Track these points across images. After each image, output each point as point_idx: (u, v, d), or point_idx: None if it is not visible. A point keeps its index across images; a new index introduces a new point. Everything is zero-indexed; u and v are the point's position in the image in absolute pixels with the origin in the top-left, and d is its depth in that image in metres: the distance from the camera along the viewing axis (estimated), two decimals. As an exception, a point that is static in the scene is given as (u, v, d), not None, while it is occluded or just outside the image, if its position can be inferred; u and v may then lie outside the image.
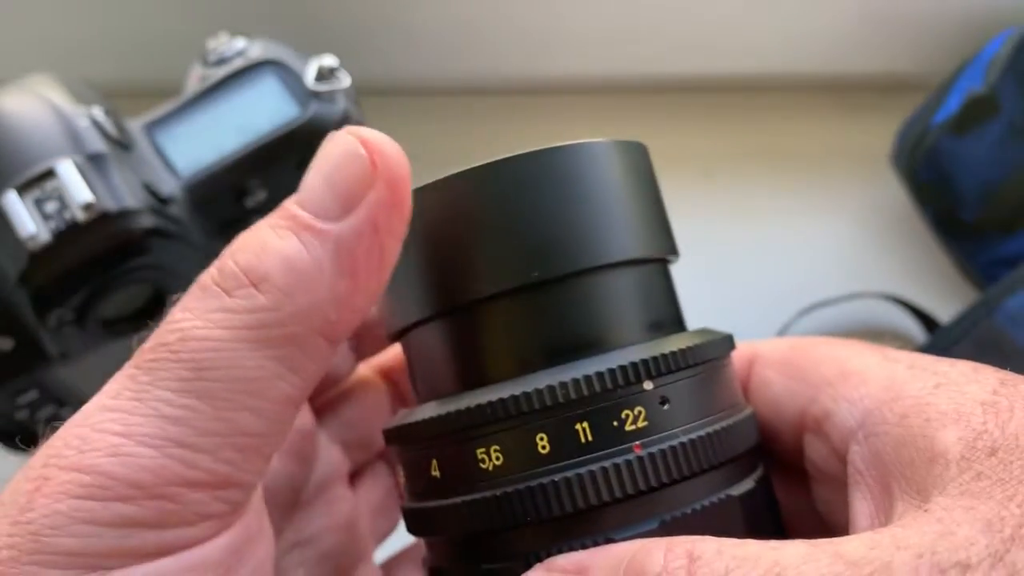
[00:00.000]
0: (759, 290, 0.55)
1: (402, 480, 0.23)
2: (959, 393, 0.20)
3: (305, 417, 0.27)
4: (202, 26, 0.46)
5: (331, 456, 0.28)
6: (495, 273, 0.21)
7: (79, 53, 0.55)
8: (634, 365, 0.20)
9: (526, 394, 0.20)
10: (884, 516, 0.20)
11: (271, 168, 0.40)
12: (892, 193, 0.58)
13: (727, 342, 0.23)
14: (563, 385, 0.20)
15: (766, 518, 0.22)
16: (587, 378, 0.20)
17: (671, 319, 0.23)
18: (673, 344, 0.21)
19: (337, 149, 0.20)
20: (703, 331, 0.23)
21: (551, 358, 0.21)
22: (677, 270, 0.24)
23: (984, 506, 0.17)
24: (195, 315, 0.19)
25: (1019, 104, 0.52)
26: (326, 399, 0.29)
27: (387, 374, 0.30)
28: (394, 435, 0.23)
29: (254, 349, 0.19)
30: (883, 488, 0.20)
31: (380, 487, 0.29)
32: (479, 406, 0.20)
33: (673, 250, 0.24)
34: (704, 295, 0.54)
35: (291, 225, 0.20)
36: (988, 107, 0.52)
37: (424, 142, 0.62)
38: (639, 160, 0.23)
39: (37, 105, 0.37)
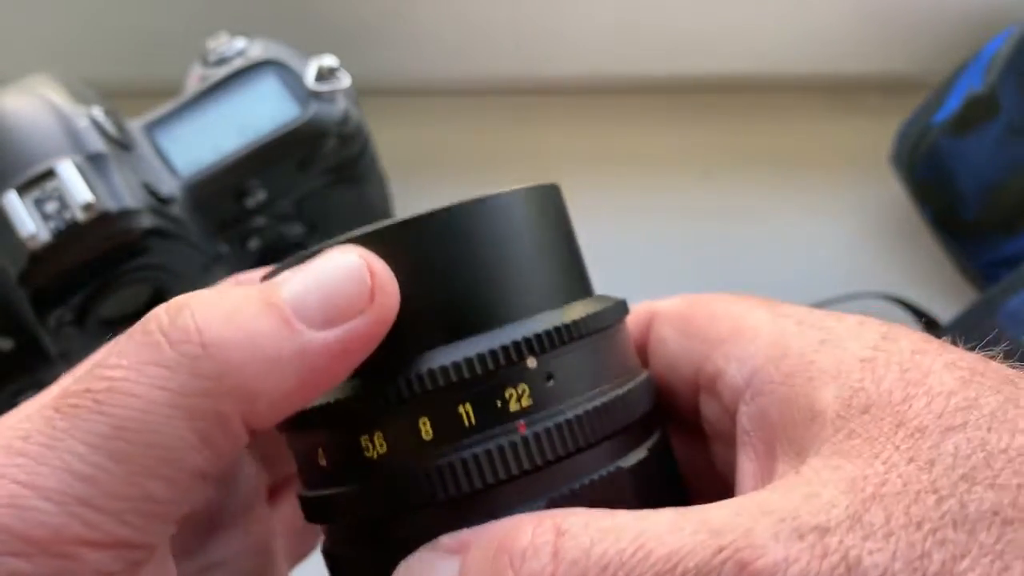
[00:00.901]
0: (759, 290, 0.54)
1: (295, 469, 0.23)
2: (841, 350, 0.20)
3: None
4: (202, 26, 0.46)
5: (250, 472, 0.27)
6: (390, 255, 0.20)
7: (79, 53, 0.55)
8: (516, 344, 0.20)
9: (406, 380, 0.20)
10: (768, 477, 0.19)
11: (271, 168, 0.40)
12: (892, 193, 0.58)
13: (617, 309, 0.23)
14: (443, 369, 0.19)
15: (660, 486, 0.22)
16: (468, 360, 0.19)
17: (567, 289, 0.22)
18: (559, 318, 0.21)
19: (343, 268, 0.20)
20: (595, 299, 0.23)
21: (440, 337, 0.20)
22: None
23: (850, 465, 0.17)
24: (128, 365, 0.18)
25: (1019, 104, 0.52)
26: None
27: None
28: (284, 425, 0.22)
29: (178, 418, 0.18)
30: (767, 449, 0.20)
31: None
32: (358, 395, 0.20)
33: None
34: (704, 295, 0.54)
35: (268, 310, 0.19)
36: (988, 107, 0.52)
37: (424, 142, 0.62)
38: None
39: (37, 105, 0.37)
